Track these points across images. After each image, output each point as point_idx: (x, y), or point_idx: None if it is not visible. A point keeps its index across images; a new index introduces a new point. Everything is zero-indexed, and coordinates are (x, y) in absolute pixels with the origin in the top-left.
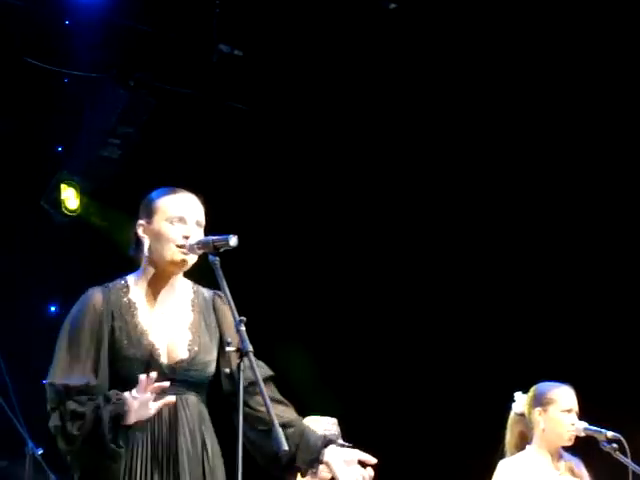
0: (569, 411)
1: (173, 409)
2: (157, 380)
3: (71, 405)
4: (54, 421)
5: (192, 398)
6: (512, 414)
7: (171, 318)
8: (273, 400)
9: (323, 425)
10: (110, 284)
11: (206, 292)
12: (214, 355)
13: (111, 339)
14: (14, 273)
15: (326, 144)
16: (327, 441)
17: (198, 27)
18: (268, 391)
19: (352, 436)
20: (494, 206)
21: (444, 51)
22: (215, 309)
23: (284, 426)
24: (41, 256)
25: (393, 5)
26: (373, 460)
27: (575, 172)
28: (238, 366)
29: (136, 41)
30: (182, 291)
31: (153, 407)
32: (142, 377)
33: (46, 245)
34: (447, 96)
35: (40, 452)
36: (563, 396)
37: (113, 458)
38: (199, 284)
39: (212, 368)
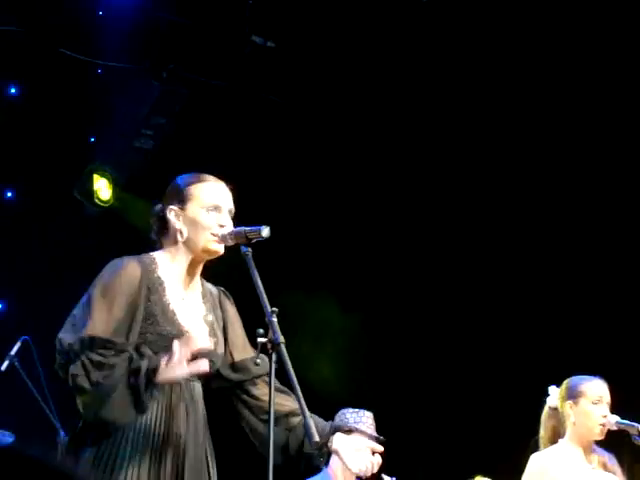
0: (599, 401)
1: (179, 396)
2: (201, 351)
3: (95, 357)
4: (74, 369)
5: (198, 387)
6: (546, 408)
7: (190, 306)
8: (277, 390)
9: (360, 418)
10: (142, 257)
11: (212, 287)
12: (223, 349)
13: (146, 309)
14: (46, 263)
15: (359, 136)
16: (334, 429)
17: (231, 19)
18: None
19: (388, 432)
20: (520, 204)
21: (471, 43)
22: (221, 305)
23: (291, 414)
24: (73, 246)
25: None
26: (380, 448)
27: (587, 165)
28: (270, 357)
29: (169, 33)
30: (198, 282)
31: (186, 369)
32: (180, 339)
33: (79, 236)
34: (471, 88)
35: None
36: (593, 388)
37: (141, 408)
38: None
39: (220, 362)
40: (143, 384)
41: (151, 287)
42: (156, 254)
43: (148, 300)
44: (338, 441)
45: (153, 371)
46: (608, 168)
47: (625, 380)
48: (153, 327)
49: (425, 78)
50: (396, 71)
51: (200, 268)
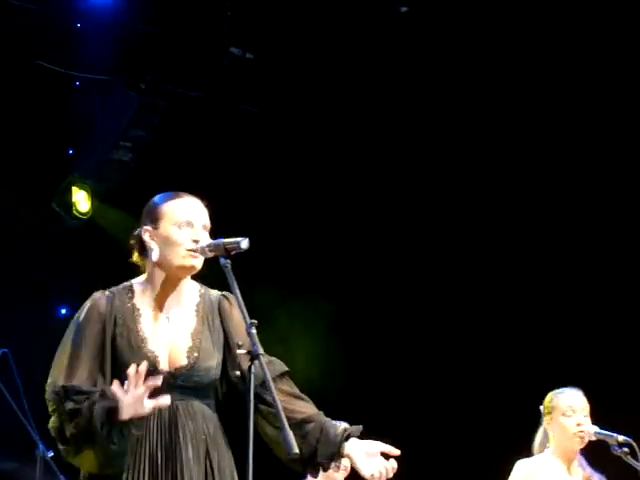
0: (572, 412)
1: (174, 415)
2: (161, 386)
3: (69, 405)
4: (52, 422)
5: (196, 403)
6: (541, 429)
7: (174, 324)
8: (292, 395)
9: None
10: (115, 288)
11: (213, 295)
12: (217, 359)
13: (113, 345)
14: (25, 276)
15: (337, 147)
16: (348, 434)
17: (209, 30)
18: (286, 387)
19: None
20: (517, 205)
21: (451, 53)
22: (220, 312)
23: (304, 422)
24: (52, 259)
25: (405, 8)
26: (396, 452)
27: (587, 168)
28: (249, 369)
29: (147, 44)
30: (188, 295)
31: (149, 404)
32: (131, 370)
33: (57, 248)
34: (456, 96)
35: (51, 455)
36: (563, 399)
37: (107, 455)
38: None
39: (216, 372)
40: (99, 429)
41: (119, 320)
42: (134, 281)
43: (114, 334)
44: (351, 446)
45: (110, 412)
46: (608, 170)
47: (601, 389)
48: (121, 360)
49: (405, 88)
50: (376, 81)
51: (183, 284)
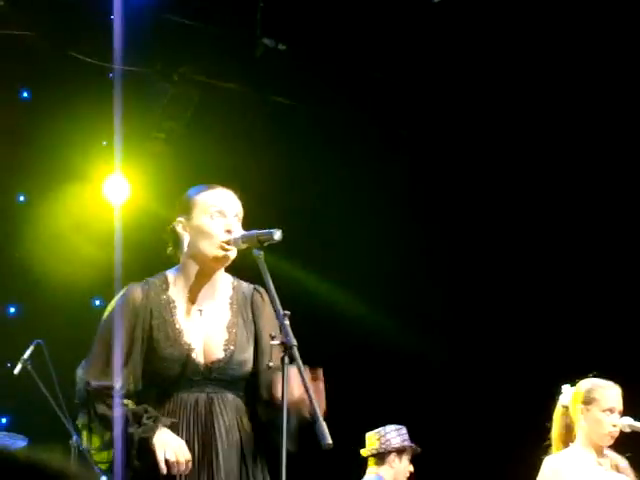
0: (611, 411)
1: (209, 408)
2: (194, 378)
3: (100, 408)
4: (82, 419)
5: (229, 396)
6: (559, 406)
7: (209, 316)
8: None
9: (404, 434)
10: (150, 279)
11: (246, 287)
12: (251, 352)
13: (149, 337)
14: (60, 267)
15: (368, 138)
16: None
17: (242, 21)
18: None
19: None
20: (522, 199)
21: (474, 49)
22: (252, 305)
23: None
24: (88, 250)
25: None
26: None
27: (592, 163)
28: (282, 360)
29: (180, 35)
30: (222, 288)
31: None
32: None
33: (93, 239)
34: (467, 92)
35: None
36: (605, 396)
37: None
38: (241, 278)
39: (249, 365)
40: (133, 453)
41: (155, 312)
42: (169, 272)
43: (150, 326)
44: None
45: (144, 440)
46: (612, 166)
47: (636, 378)
48: (157, 352)
49: (436, 78)
50: (407, 73)
51: (216, 276)
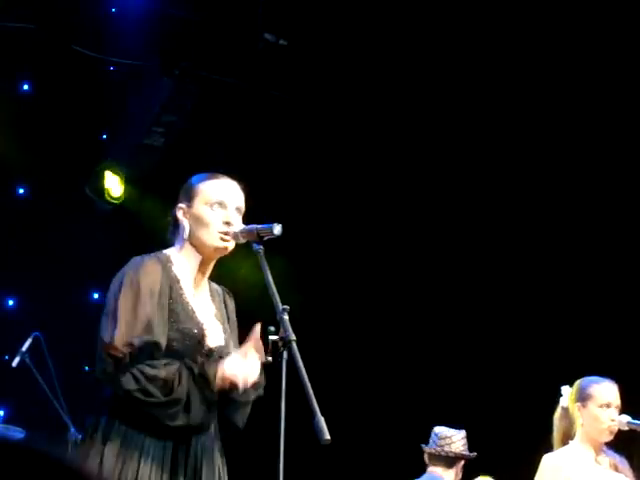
0: (607, 406)
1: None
2: (201, 359)
3: (147, 370)
4: (127, 384)
5: None
6: (559, 409)
7: (202, 304)
8: None
9: (463, 440)
10: (157, 255)
11: (216, 286)
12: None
13: (170, 308)
14: (58, 260)
15: (368, 134)
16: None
17: (243, 16)
18: None
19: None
20: (520, 199)
21: (472, 46)
22: (225, 304)
23: None
24: (85, 243)
25: None
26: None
27: (592, 162)
28: (281, 355)
29: (181, 30)
30: (206, 280)
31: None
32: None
33: (90, 233)
34: (462, 93)
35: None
36: (602, 391)
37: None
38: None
39: None
40: (214, 386)
41: (173, 285)
42: (170, 251)
43: (170, 297)
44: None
45: (212, 375)
46: (612, 165)
47: (634, 378)
48: (176, 324)
49: (435, 75)
50: (408, 69)
51: (211, 266)
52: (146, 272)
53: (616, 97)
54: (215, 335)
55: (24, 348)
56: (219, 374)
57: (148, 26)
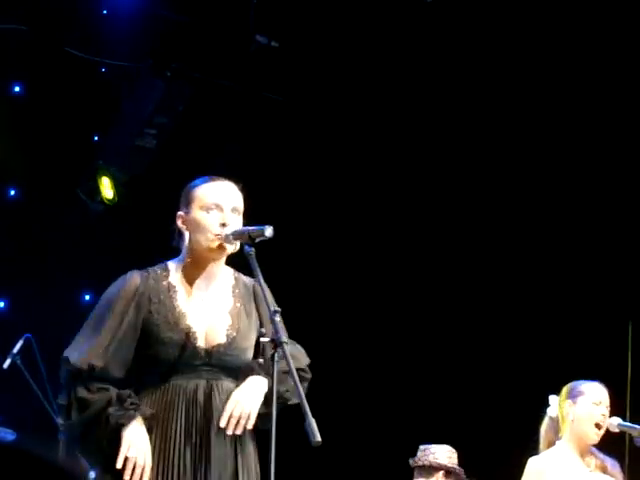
0: (599, 404)
1: (208, 394)
2: (194, 363)
3: (80, 392)
4: (62, 399)
5: (227, 384)
6: (546, 418)
7: (211, 303)
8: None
9: (453, 455)
10: (150, 269)
11: (247, 280)
12: (252, 342)
13: (147, 322)
14: (49, 262)
15: (361, 136)
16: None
17: (235, 18)
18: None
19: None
20: (515, 199)
21: (466, 47)
22: (254, 295)
23: None
24: (77, 245)
25: None
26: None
27: (590, 165)
28: (272, 356)
29: (173, 31)
30: (223, 278)
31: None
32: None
33: (82, 234)
34: (461, 93)
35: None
36: (594, 389)
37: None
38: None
39: (249, 355)
40: (105, 437)
41: (154, 297)
42: (170, 262)
43: (149, 311)
44: None
45: (119, 427)
46: (611, 168)
47: (622, 384)
48: (156, 336)
49: (428, 77)
50: (400, 71)
51: (216, 267)
52: (119, 295)
53: (616, 97)
54: (215, 334)
55: (15, 350)
56: (124, 434)
57: (140, 28)
